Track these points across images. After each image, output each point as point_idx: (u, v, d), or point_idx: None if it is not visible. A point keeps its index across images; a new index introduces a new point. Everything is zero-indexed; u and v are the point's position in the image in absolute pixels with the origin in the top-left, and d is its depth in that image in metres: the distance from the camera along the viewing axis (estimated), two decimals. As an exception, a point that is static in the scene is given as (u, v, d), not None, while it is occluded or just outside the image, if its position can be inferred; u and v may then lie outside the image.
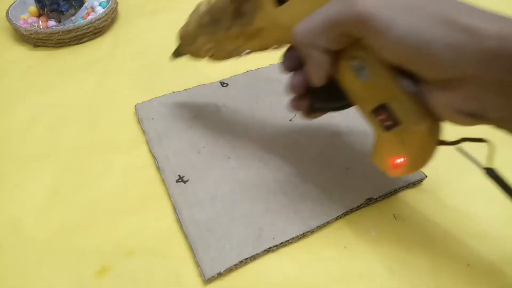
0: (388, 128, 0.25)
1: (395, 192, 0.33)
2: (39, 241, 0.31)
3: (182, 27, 0.35)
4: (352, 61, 0.25)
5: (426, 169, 0.34)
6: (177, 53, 0.38)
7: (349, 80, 0.26)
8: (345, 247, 0.30)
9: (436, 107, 0.24)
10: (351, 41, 0.24)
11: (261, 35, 0.29)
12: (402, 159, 0.26)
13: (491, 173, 0.25)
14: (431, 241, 0.30)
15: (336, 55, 0.25)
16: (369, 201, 0.32)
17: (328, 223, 0.31)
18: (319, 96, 0.28)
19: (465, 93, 0.22)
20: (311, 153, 0.36)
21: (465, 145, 0.26)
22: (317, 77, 0.26)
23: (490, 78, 0.21)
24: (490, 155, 0.25)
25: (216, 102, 0.42)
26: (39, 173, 0.36)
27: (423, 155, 0.26)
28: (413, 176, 0.33)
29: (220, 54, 0.33)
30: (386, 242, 0.30)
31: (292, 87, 0.29)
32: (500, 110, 0.22)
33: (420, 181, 0.34)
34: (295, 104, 0.30)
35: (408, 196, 0.33)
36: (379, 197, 0.33)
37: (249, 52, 0.32)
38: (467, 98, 0.22)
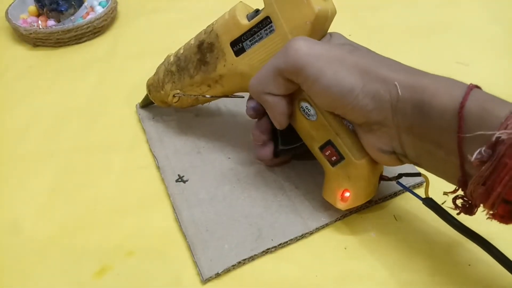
0: (334, 163, 0.30)
1: (395, 195, 0.34)
2: (38, 241, 0.32)
3: (150, 78, 0.40)
4: (301, 103, 0.30)
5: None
6: (145, 102, 0.43)
7: (299, 121, 0.30)
8: (345, 248, 0.31)
9: (364, 146, 0.28)
10: (296, 86, 0.28)
11: (221, 82, 0.34)
12: (348, 193, 0.30)
13: (429, 203, 0.29)
14: (432, 242, 0.31)
15: (290, 99, 0.29)
16: (369, 203, 0.33)
17: (327, 225, 0.32)
18: (281, 139, 0.33)
19: (383, 135, 0.27)
20: (310, 154, 0.37)
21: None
22: (278, 120, 0.30)
23: (403, 122, 0.25)
24: (427, 187, 0.29)
25: (217, 102, 0.43)
26: (39, 173, 0.38)
27: (366, 187, 0.30)
28: (413, 179, 0.34)
29: (185, 100, 0.37)
30: (387, 243, 0.31)
31: (255, 136, 0.33)
32: (415, 149, 0.26)
33: (420, 184, 0.35)
34: (260, 153, 0.34)
35: (409, 197, 0.34)
36: (379, 199, 0.34)
37: (212, 99, 0.37)
38: (386, 139, 0.27)
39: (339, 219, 0.33)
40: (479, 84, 0.24)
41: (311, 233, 0.32)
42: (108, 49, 0.54)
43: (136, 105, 0.43)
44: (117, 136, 0.41)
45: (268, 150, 0.33)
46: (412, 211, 0.33)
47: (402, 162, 0.28)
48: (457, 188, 0.25)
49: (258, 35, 0.30)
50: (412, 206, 0.34)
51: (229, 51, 0.32)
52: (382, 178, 0.31)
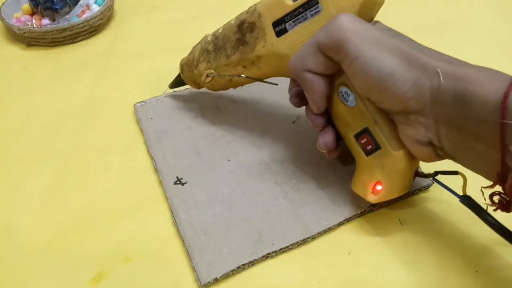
0: (369, 152, 0.30)
1: (400, 198, 0.34)
2: (33, 245, 0.33)
3: (185, 57, 0.41)
4: (340, 88, 0.30)
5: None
6: (175, 82, 0.44)
7: (337, 106, 0.31)
8: (348, 253, 0.31)
9: (401, 137, 0.29)
10: (336, 66, 0.29)
11: (258, 64, 0.35)
12: (380, 187, 0.30)
13: (467, 201, 0.29)
14: (438, 247, 0.31)
15: (329, 80, 0.30)
16: (373, 207, 0.34)
17: (330, 229, 0.33)
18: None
19: (420, 125, 0.27)
20: (314, 156, 0.38)
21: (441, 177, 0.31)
22: (316, 101, 0.31)
23: (442, 111, 0.25)
24: (465, 185, 0.29)
25: (217, 102, 0.44)
26: (34, 175, 0.38)
27: (400, 181, 0.30)
28: (420, 183, 0.35)
29: (218, 81, 0.38)
30: (392, 248, 0.32)
31: (312, 120, 0.33)
32: (453, 141, 0.26)
33: (426, 187, 0.35)
34: (322, 139, 0.32)
35: (414, 201, 0.34)
36: (384, 203, 0.34)
37: (245, 82, 0.37)
38: (423, 129, 0.27)
39: (342, 223, 0.33)
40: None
41: (313, 237, 0.32)
42: (105, 49, 0.54)
43: (134, 105, 0.44)
44: (114, 137, 0.41)
45: (331, 136, 0.32)
46: (418, 215, 0.34)
47: (438, 157, 0.28)
48: (494, 183, 0.25)
49: (302, 16, 0.31)
50: (418, 210, 0.34)
51: (270, 32, 0.32)
52: (418, 174, 0.31)
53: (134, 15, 0.60)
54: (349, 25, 0.27)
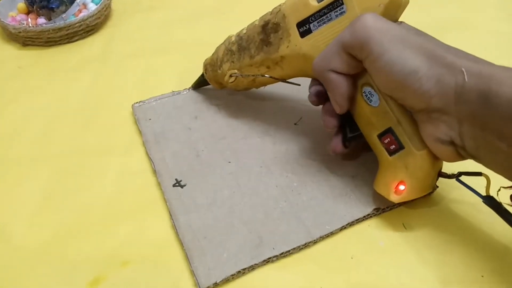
0: (392, 152, 0.31)
1: (404, 202, 0.34)
2: (29, 250, 0.33)
3: (208, 57, 0.42)
4: (364, 88, 0.31)
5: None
6: (198, 82, 0.45)
7: (360, 106, 0.32)
8: (351, 258, 0.31)
9: (422, 136, 0.29)
10: (360, 65, 0.29)
11: (282, 64, 0.36)
12: (403, 187, 0.31)
13: (490, 202, 0.30)
14: (443, 252, 0.31)
15: (352, 81, 0.31)
16: (377, 211, 0.34)
17: (332, 233, 0.33)
18: (348, 126, 0.34)
19: (443, 124, 0.27)
20: (315, 159, 0.38)
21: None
22: (338, 102, 0.31)
23: (465, 110, 0.26)
24: (488, 186, 0.30)
25: (218, 103, 0.44)
26: (30, 178, 0.38)
27: (424, 180, 0.31)
28: None
29: (241, 81, 0.39)
30: (396, 252, 0.32)
31: (326, 121, 0.34)
32: (475, 141, 0.27)
33: (430, 192, 0.35)
34: (332, 143, 0.34)
35: (419, 205, 0.35)
36: (387, 207, 0.34)
37: (268, 82, 0.39)
38: (445, 128, 0.27)
39: (345, 228, 0.33)
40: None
41: (314, 241, 0.32)
42: (102, 49, 0.54)
43: (132, 105, 0.44)
44: (112, 139, 0.42)
45: (339, 140, 0.34)
46: (423, 219, 0.34)
47: (459, 156, 0.29)
48: None
49: (327, 17, 0.31)
50: (422, 214, 0.34)
51: (295, 32, 0.33)
52: (441, 174, 0.32)
53: (132, 14, 0.61)
54: (374, 23, 0.28)
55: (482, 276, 0.30)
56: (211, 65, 0.42)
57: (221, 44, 0.41)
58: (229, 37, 0.40)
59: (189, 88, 0.46)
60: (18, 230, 0.34)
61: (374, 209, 0.34)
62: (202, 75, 0.44)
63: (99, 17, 0.57)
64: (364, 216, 0.33)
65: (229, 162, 0.38)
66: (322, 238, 0.32)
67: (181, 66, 0.50)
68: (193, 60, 0.50)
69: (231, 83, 0.40)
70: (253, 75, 0.38)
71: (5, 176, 0.38)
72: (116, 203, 0.36)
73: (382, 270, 0.31)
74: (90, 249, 0.32)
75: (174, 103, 0.44)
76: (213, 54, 0.42)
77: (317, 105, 0.35)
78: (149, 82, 0.48)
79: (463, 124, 0.26)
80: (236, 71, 0.38)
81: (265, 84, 0.40)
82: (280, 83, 0.38)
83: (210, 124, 0.41)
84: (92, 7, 0.58)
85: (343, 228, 0.33)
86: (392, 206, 0.34)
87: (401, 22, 0.31)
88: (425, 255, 0.31)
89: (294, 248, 0.31)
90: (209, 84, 0.44)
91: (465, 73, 0.25)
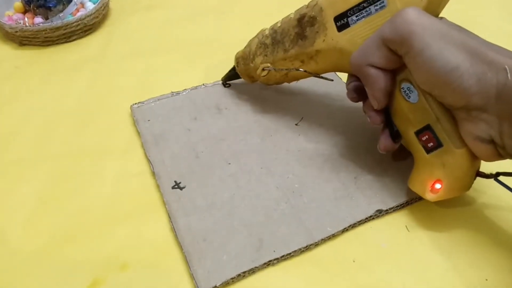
0: (430, 150, 0.31)
1: (407, 204, 0.35)
2: (25, 253, 0.33)
3: (240, 50, 0.42)
4: (402, 84, 0.31)
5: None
6: (228, 75, 0.45)
7: (398, 103, 0.31)
8: (353, 261, 0.31)
9: (461, 134, 0.29)
10: (399, 60, 0.29)
11: (316, 59, 0.35)
12: (440, 185, 0.31)
13: None
14: (446, 254, 0.31)
15: (391, 76, 0.31)
16: (379, 213, 0.34)
17: (334, 235, 0.33)
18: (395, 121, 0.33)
19: (482, 122, 0.27)
20: (317, 160, 0.38)
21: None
22: (377, 97, 0.31)
23: (506, 108, 0.26)
24: None
25: (218, 104, 0.44)
26: (27, 180, 0.38)
27: (461, 179, 0.31)
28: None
29: (273, 75, 0.39)
30: (398, 255, 0.32)
31: (371, 117, 0.33)
32: None
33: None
34: (382, 140, 0.34)
35: (422, 206, 0.35)
36: (390, 209, 0.34)
37: (301, 76, 0.38)
38: (484, 126, 0.27)
39: (347, 230, 0.33)
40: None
41: (316, 244, 0.32)
42: (100, 48, 0.54)
43: (131, 106, 0.44)
44: (110, 140, 0.42)
45: (387, 136, 0.33)
46: (426, 221, 0.34)
47: (498, 155, 0.28)
48: None
49: (366, 11, 0.31)
50: (425, 216, 0.34)
51: (332, 26, 0.33)
52: (479, 174, 0.32)
53: (130, 13, 0.61)
54: (415, 18, 0.27)
55: (486, 280, 0.30)
56: (243, 58, 0.42)
57: (254, 37, 0.41)
58: (263, 30, 0.40)
59: (220, 81, 0.46)
60: (15, 233, 0.34)
61: (377, 211, 0.34)
62: (234, 68, 0.44)
63: (97, 16, 0.57)
64: (366, 218, 0.33)
65: (229, 163, 0.38)
66: (323, 240, 0.32)
67: (180, 66, 0.50)
68: (193, 60, 0.51)
69: (263, 77, 0.40)
70: (286, 69, 0.38)
71: (2, 178, 0.38)
72: (114, 205, 0.36)
73: (385, 273, 0.31)
74: (88, 252, 0.32)
75: (173, 104, 0.44)
76: (245, 47, 0.42)
77: (357, 101, 0.35)
78: (148, 83, 0.48)
79: (504, 122, 0.26)
80: (269, 64, 0.38)
81: (297, 79, 0.40)
82: (312, 78, 0.37)
83: (209, 125, 0.41)
84: (90, 6, 0.58)
85: (345, 230, 0.33)
86: (394, 208, 0.34)
87: (441, 18, 0.31)
88: (428, 257, 0.31)
89: (295, 251, 0.31)
90: (240, 78, 0.44)
91: (508, 71, 0.25)
